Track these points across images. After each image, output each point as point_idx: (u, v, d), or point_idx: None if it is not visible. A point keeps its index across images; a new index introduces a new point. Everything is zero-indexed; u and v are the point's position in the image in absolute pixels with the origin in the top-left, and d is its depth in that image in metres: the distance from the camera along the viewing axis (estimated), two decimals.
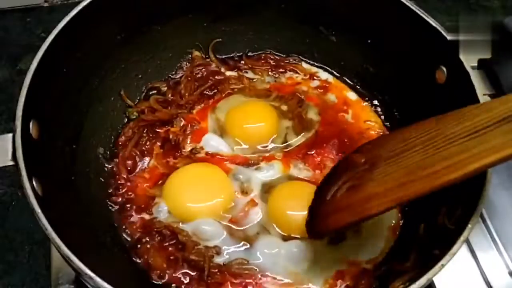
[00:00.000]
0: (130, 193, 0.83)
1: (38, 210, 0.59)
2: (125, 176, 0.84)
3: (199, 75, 0.96)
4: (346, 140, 0.89)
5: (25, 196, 0.60)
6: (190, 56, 0.99)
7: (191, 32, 0.97)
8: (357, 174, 0.56)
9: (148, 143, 0.88)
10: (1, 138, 0.64)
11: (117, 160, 0.86)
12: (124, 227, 0.80)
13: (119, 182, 0.84)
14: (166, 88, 0.95)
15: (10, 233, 0.88)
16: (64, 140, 0.79)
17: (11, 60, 1.11)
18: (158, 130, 0.90)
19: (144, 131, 0.89)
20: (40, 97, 0.69)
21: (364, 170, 0.55)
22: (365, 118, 0.94)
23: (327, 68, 1.00)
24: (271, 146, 0.88)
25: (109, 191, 0.83)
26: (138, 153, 0.87)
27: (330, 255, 0.77)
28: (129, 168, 0.85)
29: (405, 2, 0.82)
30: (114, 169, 0.85)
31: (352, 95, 0.97)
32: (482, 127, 0.50)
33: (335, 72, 1.00)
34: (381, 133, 0.92)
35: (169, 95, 0.94)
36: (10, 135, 0.64)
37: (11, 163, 0.63)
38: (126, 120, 0.91)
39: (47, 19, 1.17)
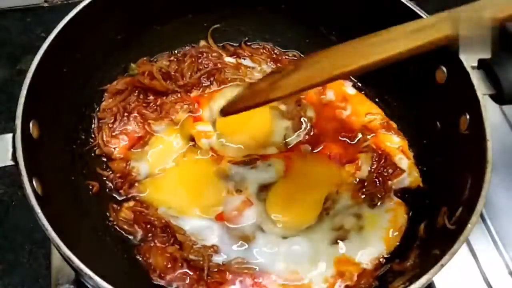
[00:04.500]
0: (107, 156, 0.84)
1: (38, 210, 0.59)
2: (106, 131, 0.85)
3: (203, 57, 0.96)
4: (346, 134, 0.89)
5: (25, 196, 0.60)
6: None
7: (191, 32, 0.97)
8: (277, 75, 0.69)
9: (135, 103, 0.89)
10: (1, 138, 0.64)
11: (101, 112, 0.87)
12: (115, 215, 0.79)
13: (99, 140, 0.85)
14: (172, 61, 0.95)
15: (10, 233, 0.89)
16: (64, 140, 0.79)
17: (11, 60, 1.11)
18: (148, 96, 0.90)
19: (136, 92, 0.89)
20: (40, 97, 0.69)
21: (282, 74, 0.68)
22: (365, 111, 0.93)
23: None
24: (269, 147, 0.88)
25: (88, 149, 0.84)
26: (121, 108, 0.87)
27: (330, 254, 0.77)
28: (110, 124, 0.86)
29: (405, 2, 0.82)
30: (96, 125, 0.86)
31: (350, 90, 0.96)
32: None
33: None
34: (385, 124, 0.92)
35: (173, 71, 0.93)
36: (10, 135, 0.64)
37: (11, 163, 0.63)
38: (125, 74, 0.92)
39: (47, 19, 1.17)
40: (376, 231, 0.80)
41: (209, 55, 0.97)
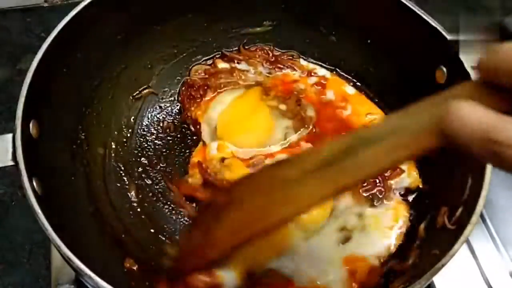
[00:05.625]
0: None
1: (38, 210, 0.59)
2: None
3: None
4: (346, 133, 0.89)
5: (25, 196, 0.60)
6: None
7: (191, 32, 0.97)
8: (213, 217, 0.55)
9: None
10: (1, 138, 0.64)
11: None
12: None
13: None
14: None
15: (10, 233, 0.88)
16: (64, 140, 0.79)
17: (11, 60, 1.11)
18: None
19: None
20: (40, 97, 0.70)
21: (217, 213, 0.54)
22: (366, 111, 0.93)
23: (326, 65, 1.00)
24: (271, 146, 0.88)
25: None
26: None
27: (339, 254, 0.77)
28: None
29: (405, 2, 0.82)
30: None
31: (350, 90, 0.96)
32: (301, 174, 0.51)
33: (335, 73, 0.99)
34: None
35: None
36: (10, 135, 0.64)
37: (11, 163, 0.63)
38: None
39: (47, 19, 1.17)
40: (379, 230, 0.80)
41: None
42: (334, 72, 0.99)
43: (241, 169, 0.83)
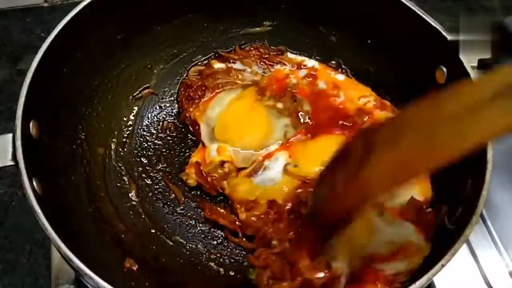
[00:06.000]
0: None
1: (38, 210, 0.59)
2: None
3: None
4: (343, 119, 0.89)
5: (25, 196, 0.60)
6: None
7: (191, 32, 0.97)
8: (356, 160, 0.54)
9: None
10: (1, 138, 0.64)
11: None
12: None
13: None
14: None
15: (10, 233, 0.88)
16: (64, 140, 0.79)
17: (11, 60, 1.11)
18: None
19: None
20: (40, 97, 0.70)
21: (361, 155, 0.54)
22: (358, 95, 0.92)
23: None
24: (271, 145, 0.88)
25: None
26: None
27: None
28: None
29: (405, 2, 0.82)
30: None
31: (340, 77, 0.96)
32: (473, 105, 0.49)
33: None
34: (379, 104, 0.91)
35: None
36: (10, 135, 0.64)
37: (11, 163, 0.63)
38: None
39: (47, 19, 1.17)
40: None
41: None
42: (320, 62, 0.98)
43: (240, 180, 0.84)
